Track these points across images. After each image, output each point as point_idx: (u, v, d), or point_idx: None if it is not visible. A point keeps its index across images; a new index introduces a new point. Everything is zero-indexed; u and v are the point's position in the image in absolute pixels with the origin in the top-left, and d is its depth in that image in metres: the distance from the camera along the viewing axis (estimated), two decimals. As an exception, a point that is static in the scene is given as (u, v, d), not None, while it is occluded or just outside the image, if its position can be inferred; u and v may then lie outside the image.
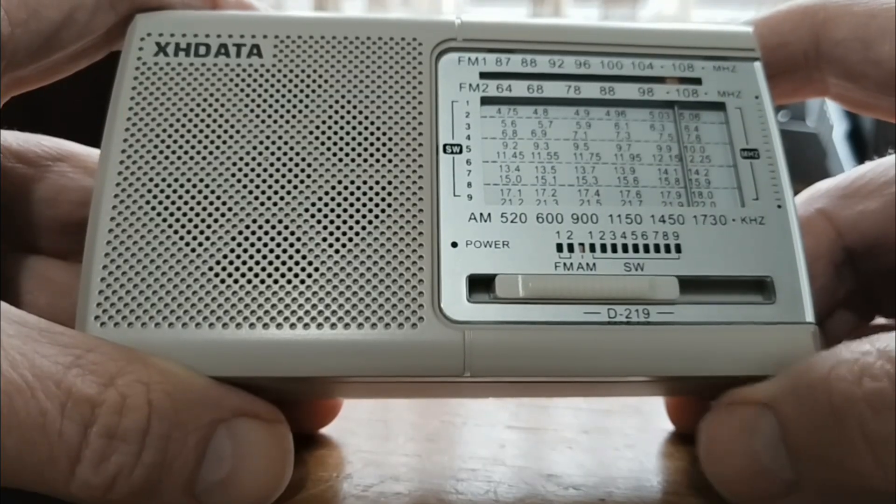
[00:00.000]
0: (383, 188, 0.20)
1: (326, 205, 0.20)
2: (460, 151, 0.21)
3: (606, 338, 0.19)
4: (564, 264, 0.20)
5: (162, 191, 0.20)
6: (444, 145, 0.21)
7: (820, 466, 0.17)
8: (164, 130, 0.21)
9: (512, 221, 0.20)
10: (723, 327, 0.20)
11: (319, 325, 0.19)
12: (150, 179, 0.20)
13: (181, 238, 0.20)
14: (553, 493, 0.22)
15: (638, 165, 0.22)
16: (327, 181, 0.20)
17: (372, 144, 0.21)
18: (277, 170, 0.20)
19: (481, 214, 0.20)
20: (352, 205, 0.20)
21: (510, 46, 0.23)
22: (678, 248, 0.20)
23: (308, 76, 0.22)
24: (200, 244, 0.20)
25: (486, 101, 0.22)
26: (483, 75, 0.22)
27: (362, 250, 0.20)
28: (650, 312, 0.20)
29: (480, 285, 0.20)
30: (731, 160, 0.22)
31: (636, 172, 0.22)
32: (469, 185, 0.21)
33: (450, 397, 0.27)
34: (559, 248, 0.20)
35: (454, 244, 0.20)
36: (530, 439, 0.25)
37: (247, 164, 0.20)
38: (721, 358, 0.20)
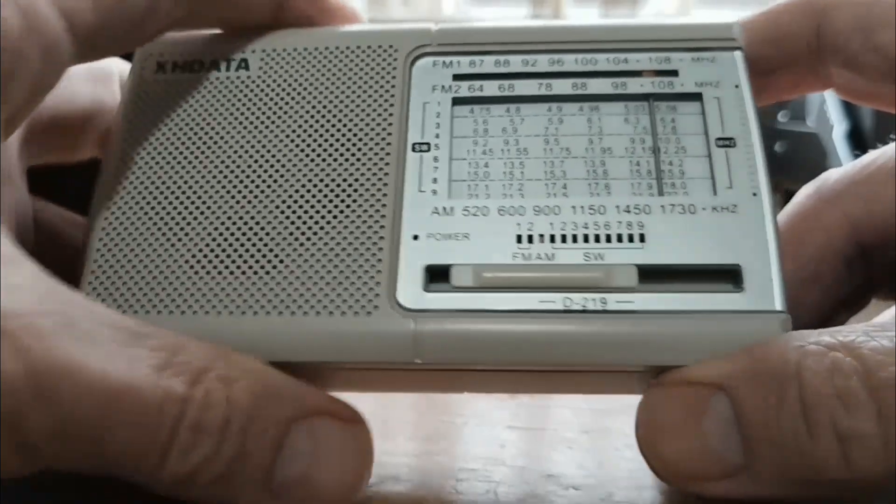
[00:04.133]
0: (350, 185, 0.21)
1: (296, 202, 0.21)
2: (428, 149, 0.22)
3: (561, 326, 0.19)
4: (523, 255, 0.20)
5: (150, 192, 0.22)
6: (413, 144, 0.22)
7: (777, 454, 0.17)
8: (157, 137, 0.23)
9: (473, 214, 0.21)
10: (687, 316, 0.19)
11: (280, 313, 0.20)
12: (141, 182, 0.22)
13: (163, 233, 0.21)
14: (553, 493, 0.22)
15: (609, 158, 0.22)
16: (298, 180, 0.22)
17: (343, 145, 0.22)
18: (254, 171, 0.22)
19: (444, 208, 0.21)
20: (319, 201, 0.21)
21: (484, 49, 0.23)
22: (642, 238, 0.20)
23: (289, 85, 0.23)
24: (179, 239, 0.21)
25: (457, 101, 0.22)
26: (456, 77, 0.23)
27: (325, 243, 0.21)
28: (608, 301, 0.19)
29: (439, 276, 0.20)
30: (706, 150, 0.21)
31: (606, 165, 0.21)
32: (435, 180, 0.21)
33: (433, 391, 0.27)
34: (518, 239, 0.20)
35: (415, 237, 0.20)
36: (530, 439, 0.25)
37: (227, 167, 0.22)
38: (684, 347, 0.19)
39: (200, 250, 0.21)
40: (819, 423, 0.17)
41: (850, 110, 0.61)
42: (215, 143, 0.22)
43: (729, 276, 0.20)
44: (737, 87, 0.22)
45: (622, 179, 0.21)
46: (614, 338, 0.19)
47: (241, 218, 0.21)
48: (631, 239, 0.20)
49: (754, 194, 0.20)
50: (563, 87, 0.22)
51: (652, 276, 0.20)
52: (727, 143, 0.21)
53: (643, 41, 0.23)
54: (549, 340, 0.19)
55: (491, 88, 0.23)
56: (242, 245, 0.21)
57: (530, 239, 0.20)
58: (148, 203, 0.22)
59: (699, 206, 0.20)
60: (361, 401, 0.28)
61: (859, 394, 0.16)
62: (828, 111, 0.65)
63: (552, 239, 0.20)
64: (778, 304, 0.19)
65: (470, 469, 0.23)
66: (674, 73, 0.22)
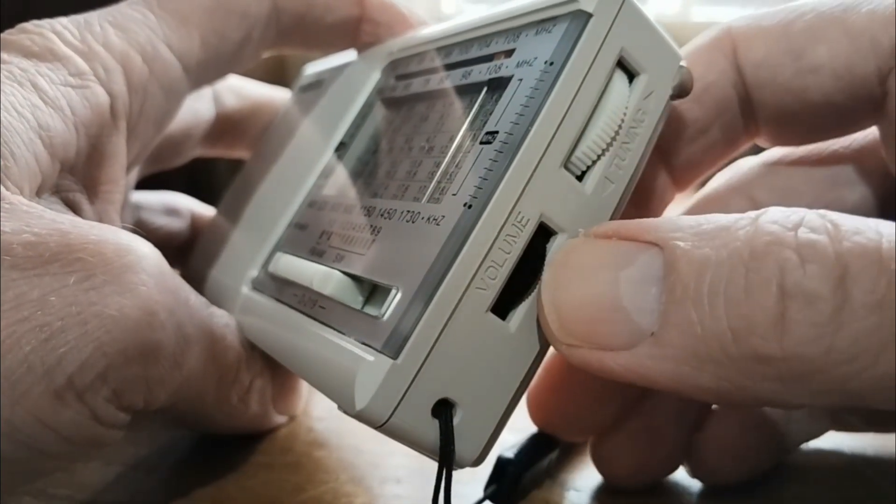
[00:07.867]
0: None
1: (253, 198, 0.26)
2: (344, 149, 0.23)
3: (285, 319, 0.20)
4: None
5: (238, 188, 0.30)
6: (339, 144, 0.23)
7: (698, 314, 0.14)
8: (263, 144, 0.31)
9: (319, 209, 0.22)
10: (330, 333, 0.17)
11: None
12: (242, 180, 0.31)
13: (228, 215, 0.29)
14: (554, 493, 0.22)
15: (425, 158, 0.19)
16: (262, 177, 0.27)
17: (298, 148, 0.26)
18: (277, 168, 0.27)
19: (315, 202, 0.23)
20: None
21: (418, 50, 0.23)
22: (370, 244, 0.18)
23: (305, 108, 0.27)
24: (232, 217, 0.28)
25: (384, 102, 0.23)
26: (398, 77, 0.23)
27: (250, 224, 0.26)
28: (315, 304, 0.19)
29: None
30: (469, 146, 0.17)
31: (420, 165, 0.19)
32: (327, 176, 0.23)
33: None
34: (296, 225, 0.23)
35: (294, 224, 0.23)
36: (531, 440, 0.25)
37: (267, 169, 0.27)
38: (310, 365, 0.18)
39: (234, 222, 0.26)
40: (763, 274, 0.14)
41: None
42: (273, 149, 0.27)
43: (379, 299, 0.17)
44: (550, 64, 0.16)
45: (417, 181, 0.18)
46: (293, 340, 0.19)
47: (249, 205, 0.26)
48: (364, 244, 0.18)
49: (468, 206, 0.16)
50: (434, 83, 0.20)
51: (364, 286, 0.18)
52: (488, 139, 0.17)
53: (509, 19, 0.19)
54: (278, 331, 0.20)
55: (402, 89, 0.22)
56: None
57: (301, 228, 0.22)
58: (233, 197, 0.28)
59: (419, 213, 0.17)
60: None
61: (823, 250, 0.13)
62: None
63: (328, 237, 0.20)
64: (379, 345, 0.16)
65: (470, 470, 0.23)
66: (510, 52, 0.18)
